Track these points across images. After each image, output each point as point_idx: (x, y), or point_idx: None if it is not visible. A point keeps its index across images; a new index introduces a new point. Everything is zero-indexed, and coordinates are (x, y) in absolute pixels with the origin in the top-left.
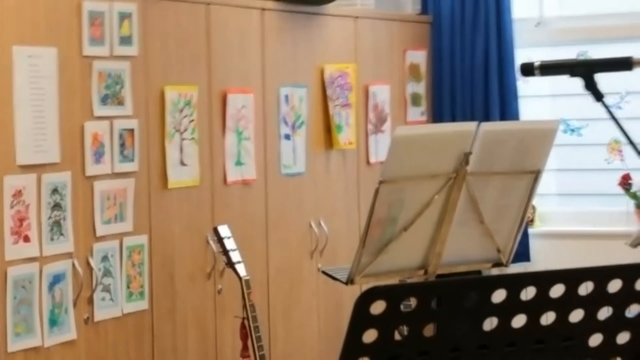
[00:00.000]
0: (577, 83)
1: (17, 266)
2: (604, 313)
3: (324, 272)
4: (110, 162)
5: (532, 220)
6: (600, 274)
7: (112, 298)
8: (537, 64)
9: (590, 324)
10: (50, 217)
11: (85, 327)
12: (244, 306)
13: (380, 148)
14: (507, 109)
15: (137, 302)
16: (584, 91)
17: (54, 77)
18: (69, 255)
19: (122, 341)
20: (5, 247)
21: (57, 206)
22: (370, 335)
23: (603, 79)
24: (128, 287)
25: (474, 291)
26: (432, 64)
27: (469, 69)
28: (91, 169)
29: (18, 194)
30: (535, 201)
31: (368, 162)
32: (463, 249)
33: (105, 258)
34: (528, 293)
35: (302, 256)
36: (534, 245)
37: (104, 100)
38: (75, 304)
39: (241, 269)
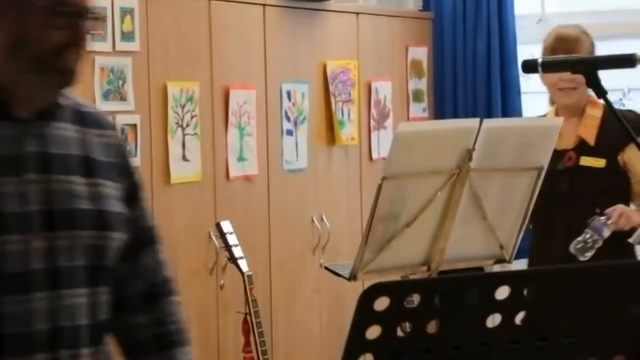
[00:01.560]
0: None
1: None
2: (607, 310)
3: (326, 268)
4: None
5: None
6: (603, 271)
7: None
8: (539, 60)
9: (593, 322)
10: None
11: None
12: (246, 302)
13: (382, 144)
14: (509, 106)
15: None
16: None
17: None
18: None
19: None
20: None
21: None
22: (373, 332)
23: (605, 76)
24: None
25: (477, 288)
26: (434, 61)
27: (471, 66)
28: None
29: None
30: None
31: (370, 158)
32: (466, 245)
33: None
34: (530, 290)
35: (304, 252)
36: None
37: (106, 95)
38: None
39: (243, 264)
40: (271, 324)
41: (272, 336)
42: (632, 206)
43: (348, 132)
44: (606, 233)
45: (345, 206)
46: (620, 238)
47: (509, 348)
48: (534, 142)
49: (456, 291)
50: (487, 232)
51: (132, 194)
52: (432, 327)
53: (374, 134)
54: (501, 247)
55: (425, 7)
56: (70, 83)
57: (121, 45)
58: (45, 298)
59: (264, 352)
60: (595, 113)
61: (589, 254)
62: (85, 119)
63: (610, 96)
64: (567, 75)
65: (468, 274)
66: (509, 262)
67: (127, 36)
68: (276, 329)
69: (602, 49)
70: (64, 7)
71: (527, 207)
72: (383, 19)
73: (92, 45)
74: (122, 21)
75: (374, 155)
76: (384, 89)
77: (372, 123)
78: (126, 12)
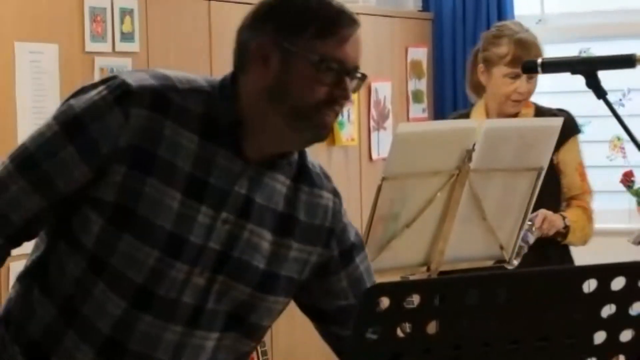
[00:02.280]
0: (579, 80)
1: (21, 262)
2: (607, 311)
3: None
4: None
5: None
6: (603, 272)
7: None
8: (539, 61)
9: (593, 322)
10: None
11: None
12: None
13: (382, 145)
14: None
15: None
16: (586, 88)
17: (55, 73)
18: None
19: None
20: None
21: None
22: (374, 333)
23: (605, 76)
24: None
25: (477, 288)
26: (433, 61)
27: None
28: None
29: None
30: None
31: (370, 159)
32: (466, 245)
33: None
34: (531, 291)
35: None
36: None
37: None
38: None
39: None
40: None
41: (272, 337)
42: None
43: (348, 132)
44: (531, 239)
45: (345, 207)
46: (555, 241)
47: (509, 348)
48: (533, 142)
49: (456, 292)
50: (487, 233)
51: (335, 259)
52: (432, 327)
53: (373, 135)
54: (501, 247)
55: (425, 7)
56: (322, 139)
57: (121, 46)
58: (178, 332)
59: (264, 353)
60: (526, 112)
61: (516, 262)
62: (302, 174)
63: (610, 97)
64: (524, 87)
65: (468, 275)
66: (509, 262)
67: (127, 37)
68: (276, 329)
69: (602, 50)
70: (334, 64)
71: (527, 207)
72: (383, 19)
73: (92, 45)
74: (122, 22)
75: (374, 156)
76: (383, 90)
77: (372, 124)
78: (126, 12)
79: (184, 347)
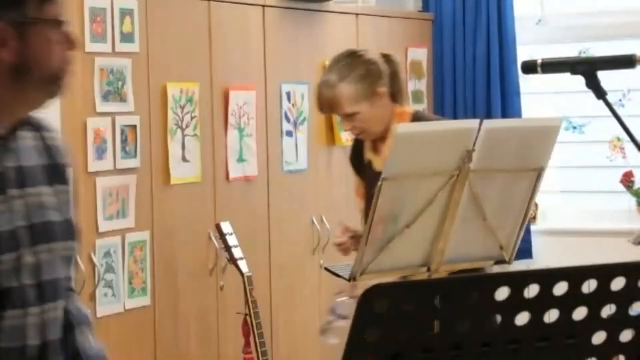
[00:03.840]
0: (579, 80)
1: None
2: (607, 311)
3: (326, 269)
4: (112, 158)
5: (534, 218)
6: (603, 272)
7: (114, 294)
8: (539, 61)
9: (593, 322)
10: None
11: None
12: (246, 302)
13: None
14: (508, 107)
15: (139, 298)
16: (586, 88)
17: None
18: None
19: (124, 337)
20: None
21: None
22: (373, 333)
23: (605, 77)
24: (130, 283)
25: (477, 289)
26: (433, 61)
27: (471, 66)
28: (93, 165)
29: None
30: (537, 198)
31: None
32: (466, 246)
33: (107, 254)
34: (531, 291)
35: (304, 253)
36: (536, 242)
37: (106, 96)
38: None
39: (243, 265)
40: (271, 325)
41: (272, 337)
42: None
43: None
44: None
45: (345, 207)
46: None
47: (510, 348)
48: (533, 142)
49: (456, 292)
50: (487, 233)
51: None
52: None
53: None
54: (501, 247)
55: (425, 8)
56: (60, 90)
57: (121, 47)
58: (37, 313)
59: (264, 353)
60: None
61: None
62: (33, 122)
63: (610, 97)
64: (346, 125)
65: (468, 275)
66: (509, 263)
67: (127, 37)
68: (276, 329)
69: (602, 50)
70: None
71: (527, 207)
72: (383, 19)
73: (92, 46)
74: (122, 22)
75: None
76: None
77: None
78: (125, 13)
79: (46, 326)
